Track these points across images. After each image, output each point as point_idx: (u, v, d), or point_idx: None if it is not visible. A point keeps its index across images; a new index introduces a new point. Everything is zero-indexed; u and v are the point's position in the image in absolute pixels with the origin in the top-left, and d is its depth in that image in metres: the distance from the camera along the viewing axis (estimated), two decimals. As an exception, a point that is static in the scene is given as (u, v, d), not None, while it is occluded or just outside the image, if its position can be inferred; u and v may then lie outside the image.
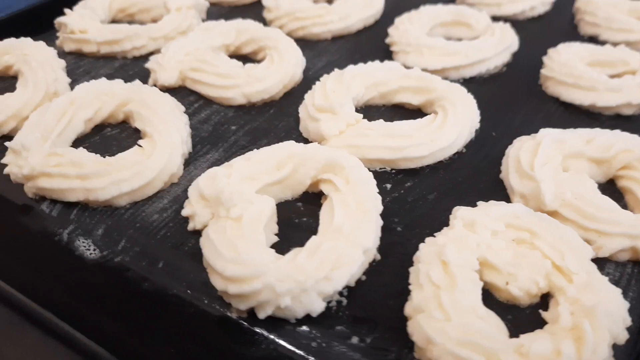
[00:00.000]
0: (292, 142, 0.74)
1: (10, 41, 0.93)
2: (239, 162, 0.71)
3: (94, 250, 0.67)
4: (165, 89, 0.89)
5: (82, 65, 0.97)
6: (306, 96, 0.85)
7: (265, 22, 1.10)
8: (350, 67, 0.87)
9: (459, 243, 0.60)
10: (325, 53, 1.02)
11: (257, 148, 0.78)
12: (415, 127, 0.78)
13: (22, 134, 0.73)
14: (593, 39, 1.08)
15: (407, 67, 0.91)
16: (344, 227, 0.62)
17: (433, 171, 0.77)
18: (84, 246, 0.67)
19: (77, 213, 0.70)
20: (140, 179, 0.70)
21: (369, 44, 1.05)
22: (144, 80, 0.90)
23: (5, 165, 0.73)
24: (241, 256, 0.59)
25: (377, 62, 0.89)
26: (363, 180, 0.68)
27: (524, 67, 0.99)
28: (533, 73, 0.97)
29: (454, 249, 0.59)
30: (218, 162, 0.77)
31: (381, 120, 0.79)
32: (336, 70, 0.88)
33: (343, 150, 0.74)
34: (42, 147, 0.72)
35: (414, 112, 0.87)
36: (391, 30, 1.02)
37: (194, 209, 0.67)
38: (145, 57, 0.99)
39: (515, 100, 0.91)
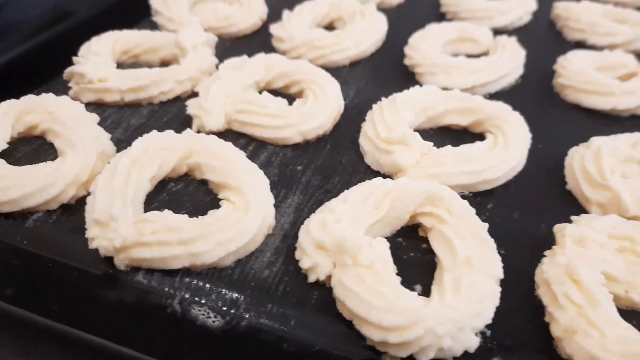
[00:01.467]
0: (380, 178, 0.75)
1: (29, 98, 0.86)
2: (338, 205, 0.70)
3: (215, 317, 0.64)
4: (209, 134, 0.86)
5: (108, 116, 0.91)
6: (365, 128, 0.86)
7: (274, 52, 1.09)
8: (398, 95, 0.89)
9: (582, 260, 0.64)
10: (351, 80, 1.03)
11: (332, 187, 0.79)
12: (484, 149, 0.81)
13: (102, 204, 0.68)
14: (580, 44, 1.17)
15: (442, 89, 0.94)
16: (472, 258, 0.64)
17: (505, 190, 0.81)
18: (203, 314, 0.64)
19: (181, 280, 0.67)
20: (245, 236, 0.68)
21: (387, 66, 1.08)
22: (184, 127, 0.87)
23: (79, 238, 0.68)
24: (394, 304, 0.59)
25: (417, 87, 0.92)
26: (465, 209, 0.70)
27: (535, 77, 1.05)
28: (545, 82, 1.04)
29: (582, 267, 0.63)
30: (303, 207, 0.76)
31: (449, 146, 0.82)
32: (385, 99, 0.89)
33: (425, 180, 0.76)
34: (127, 214, 0.68)
35: (461, 133, 0.90)
36: (409, 51, 1.05)
37: (314, 261, 0.66)
38: (172, 102, 0.95)
39: (541, 110, 0.97)
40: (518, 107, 0.94)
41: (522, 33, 1.21)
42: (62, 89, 0.96)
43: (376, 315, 0.59)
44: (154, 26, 1.17)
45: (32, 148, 0.84)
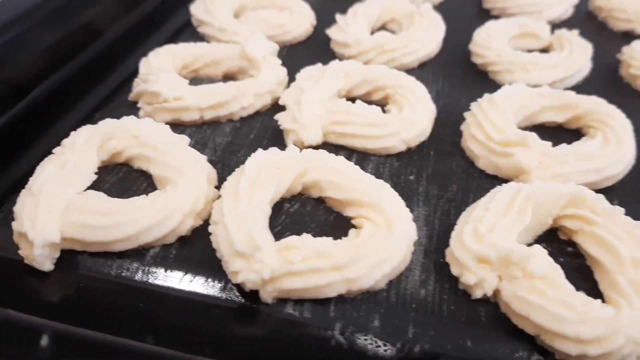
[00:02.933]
0: (514, 183, 0.72)
1: (109, 123, 0.78)
2: (483, 214, 0.67)
3: (385, 345, 0.59)
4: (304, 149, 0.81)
5: (190, 136, 0.84)
6: (472, 131, 0.82)
7: (336, 57, 1.04)
8: (496, 95, 0.86)
9: None
10: (426, 82, 0.99)
11: (453, 195, 0.76)
12: (598, 145, 0.79)
13: (240, 234, 0.63)
14: (628, 34, 1.17)
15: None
16: (641, 259, 0.62)
17: (624, 185, 0.79)
18: (371, 344, 0.59)
19: (335, 308, 0.62)
20: (397, 255, 0.64)
21: (455, 66, 1.05)
22: (275, 143, 0.82)
23: (207, 271, 0.63)
24: (587, 315, 0.56)
25: (507, 86, 0.89)
26: (613, 209, 0.68)
27: (600, 69, 1.05)
28: (611, 73, 1.04)
29: None
30: (432, 219, 0.73)
31: (564, 145, 0.80)
32: (481, 100, 0.86)
33: (549, 181, 0.74)
34: (269, 243, 0.62)
35: (557, 130, 0.88)
36: (479, 49, 1.02)
37: (480, 276, 0.62)
38: (253, 117, 0.89)
39: (622, 102, 0.96)
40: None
41: (569, 26, 1.20)
42: (127, 111, 0.89)
43: (571, 328, 0.56)
44: (198, 38, 1.10)
45: (119, 177, 0.77)
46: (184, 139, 0.79)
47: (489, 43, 1.02)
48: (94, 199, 0.68)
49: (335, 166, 0.73)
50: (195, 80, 0.98)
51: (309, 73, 0.92)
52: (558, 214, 0.69)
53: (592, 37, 1.10)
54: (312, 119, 0.82)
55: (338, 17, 1.09)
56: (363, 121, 0.82)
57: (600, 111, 0.85)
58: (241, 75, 0.97)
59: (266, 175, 0.71)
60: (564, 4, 1.20)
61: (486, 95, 0.87)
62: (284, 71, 0.95)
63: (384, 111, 0.88)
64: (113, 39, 1.08)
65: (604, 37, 1.17)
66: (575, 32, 1.07)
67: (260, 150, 0.74)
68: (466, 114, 0.87)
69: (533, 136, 0.78)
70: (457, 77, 1.01)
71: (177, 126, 0.87)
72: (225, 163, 0.80)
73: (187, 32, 1.13)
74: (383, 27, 1.15)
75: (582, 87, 0.99)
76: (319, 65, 0.93)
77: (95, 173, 0.74)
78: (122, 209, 0.67)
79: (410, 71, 1.02)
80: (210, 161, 0.80)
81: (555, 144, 0.80)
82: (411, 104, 0.85)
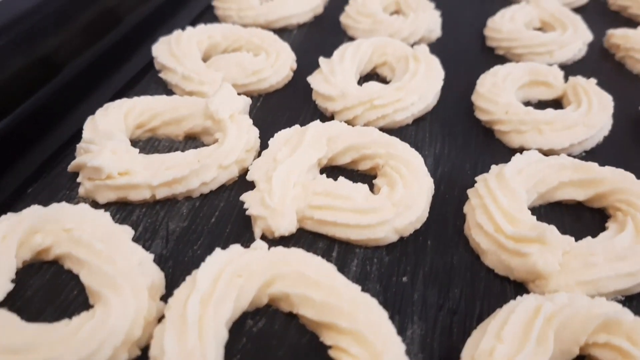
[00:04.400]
0: (531, 298, 0.58)
1: (35, 212, 0.64)
2: (495, 346, 0.53)
3: None
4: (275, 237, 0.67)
5: (138, 222, 0.70)
6: (477, 219, 0.68)
7: (318, 110, 0.90)
8: (506, 168, 0.72)
9: None
10: (422, 144, 0.85)
11: (455, 304, 0.64)
12: (630, 238, 0.66)
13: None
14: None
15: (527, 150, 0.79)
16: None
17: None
18: None
19: None
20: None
21: (455, 121, 0.91)
22: (241, 230, 0.68)
23: None
24: None
25: (518, 157, 0.75)
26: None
27: (620, 122, 0.91)
28: (634, 128, 0.90)
29: None
30: (430, 341, 0.59)
31: (588, 239, 0.66)
32: (488, 176, 0.72)
33: (575, 290, 0.60)
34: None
35: (576, 209, 0.75)
36: (485, 104, 0.88)
37: None
38: (216, 193, 0.75)
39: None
40: (624, 164, 0.79)
41: (583, 69, 1.06)
42: (66, 183, 0.75)
43: None
44: (161, 86, 0.95)
45: (45, 280, 0.63)
46: (127, 232, 0.64)
47: (495, 95, 0.88)
48: (2, 325, 0.54)
49: (311, 274, 0.58)
50: (152, 141, 0.83)
51: (285, 138, 0.77)
52: (587, 341, 0.55)
53: (610, 83, 0.97)
54: (286, 202, 0.68)
55: (322, 61, 0.94)
56: (347, 206, 0.68)
57: (630, 190, 0.71)
58: (206, 136, 0.83)
59: (224, 287, 0.57)
60: (577, 43, 1.06)
61: (494, 169, 0.74)
62: (255, 133, 0.81)
63: (372, 185, 0.74)
64: (61, 84, 0.94)
65: (623, 81, 1.04)
66: (592, 82, 0.93)
67: (217, 251, 0.60)
68: (470, 193, 0.73)
69: (552, 230, 0.64)
70: (458, 135, 0.87)
71: (125, 206, 0.72)
72: (179, 259, 0.66)
73: (150, 75, 0.99)
74: (374, 71, 1.01)
75: (602, 150, 0.86)
76: (297, 128, 0.79)
77: (13, 281, 0.59)
78: (35, 341, 0.52)
79: (404, 128, 0.88)
80: (159, 257, 0.66)
81: (575, 228, 0.68)
82: (405, 180, 0.71)
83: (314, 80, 0.92)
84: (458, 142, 0.86)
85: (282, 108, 0.92)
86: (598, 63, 1.09)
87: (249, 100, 0.86)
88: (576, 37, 1.07)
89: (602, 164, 0.75)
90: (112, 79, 1.01)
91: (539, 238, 0.63)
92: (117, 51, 1.06)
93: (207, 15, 1.19)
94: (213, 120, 0.80)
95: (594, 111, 0.86)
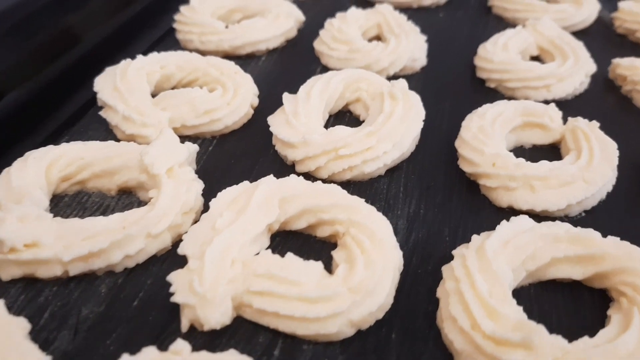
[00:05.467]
0: None
1: None
2: None
3: None
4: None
5: (45, 306, 0.59)
6: (451, 310, 0.56)
7: (278, 156, 0.79)
8: (488, 243, 0.60)
9: None
10: (395, 203, 0.73)
11: None
12: (636, 340, 0.53)
13: None
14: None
15: (522, 212, 0.67)
16: None
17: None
18: None
19: None
20: None
21: (438, 171, 0.79)
22: (170, 315, 0.57)
23: None
24: None
25: (504, 225, 0.63)
26: None
27: (626, 172, 0.78)
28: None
29: None
30: None
31: (585, 338, 0.54)
32: (466, 251, 0.60)
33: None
34: None
35: (573, 289, 0.63)
36: (468, 153, 0.76)
37: None
38: (144, 266, 0.63)
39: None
40: (631, 230, 0.67)
41: (584, 105, 0.94)
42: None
43: None
44: (103, 125, 0.84)
45: None
46: (21, 326, 0.53)
47: (481, 143, 0.76)
48: None
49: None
50: (80, 196, 0.72)
51: (229, 198, 0.66)
52: None
53: (614, 123, 0.85)
54: (219, 288, 0.56)
55: (285, 99, 0.83)
56: (293, 293, 0.56)
57: (636, 270, 0.59)
58: (142, 191, 0.71)
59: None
60: (578, 75, 0.94)
61: (475, 241, 0.62)
62: (196, 191, 0.69)
63: (330, 260, 0.62)
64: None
65: (630, 120, 0.92)
66: (595, 126, 0.81)
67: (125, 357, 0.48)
68: (445, 271, 0.61)
69: (541, 333, 0.52)
70: (438, 191, 0.76)
71: (33, 284, 0.61)
72: (87, 357, 0.54)
73: (93, 112, 0.87)
74: (346, 108, 0.89)
75: (605, 210, 0.74)
76: (245, 185, 0.67)
77: None
78: None
79: (375, 180, 0.76)
80: (62, 354, 0.54)
81: (571, 314, 0.58)
82: (368, 257, 0.59)
83: (274, 122, 0.81)
84: (437, 199, 0.74)
85: (238, 154, 0.80)
86: (601, 98, 0.97)
87: (195, 148, 0.74)
88: (577, 69, 0.95)
89: (604, 229, 0.64)
90: (51, 115, 0.90)
91: (524, 342, 0.51)
92: (61, 82, 0.95)
93: (169, 39, 1.07)
94: (148, 175, 0.68)
95: (595, 163, 0.74)
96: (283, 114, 0.81)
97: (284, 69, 1.00)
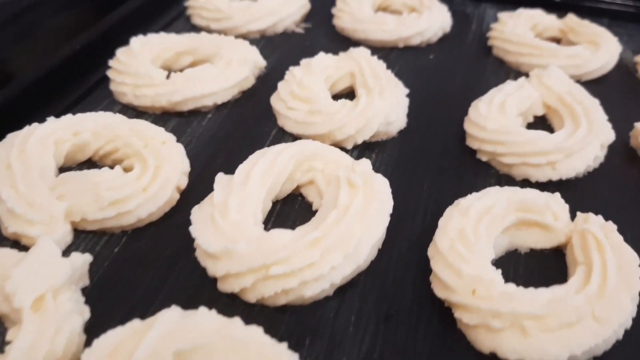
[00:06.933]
0: None
1: None
2: None
3: None
4: None
5: None
6: None
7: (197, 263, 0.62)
8: None
9: None
10: (342, 340, 0.56)
11: None
12: None
13: None
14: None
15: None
16: None
17: None
18: None
19: None
20: None
21: (402, 295, 0.61)
22: None
23: None
24: None
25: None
26: None
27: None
28: None
29: None
30: None
31: None
32: None
33: None
34: None
35: None
36: (442, 271, 0.58)
37: None
38: None
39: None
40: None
41: (597, 189, 0.75)
42: None
43: None
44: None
45: None
46: None
47: (458, 258, 0.58)
48: None
49: None
50: None
51: (109, 347, 0.48)
52: None
53: (637, 215, 0.67)
54: None
55: (218, 181, 0.66)
56: None
57: None
58: (9, 323, 0.54)
59: None
60: (592, 147, 0.75)
61: None
62: (70, 332, 0.52)
63: None
64: None
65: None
66: (611, 229, 0.62)
67: None
68: None
69: None
70: (401, 323, 0.58)
71: None
72: None
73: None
74: (298, 191, 0.72)
75: (620, 353, 0.55)
76: (134, 325, 0.50)
77: None
78: None
79: (320, 303, 0.59)
80: None
81: None
82: None
83: (197, 217, 0.63)
84: (398, 335, 0.56)
85: (151, 257, 0.63)
86: (620, 177, 0.78)
87: (85, 260, 0.58)
88: (591, 138, 0.76)
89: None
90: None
91: None
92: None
93: (102, 88, 0.90)
94: (14, 311, 0.51)
95: (609, 289, 0.56)
96: (210, 208, 0.64)
97: (232, 129, 0.83)
